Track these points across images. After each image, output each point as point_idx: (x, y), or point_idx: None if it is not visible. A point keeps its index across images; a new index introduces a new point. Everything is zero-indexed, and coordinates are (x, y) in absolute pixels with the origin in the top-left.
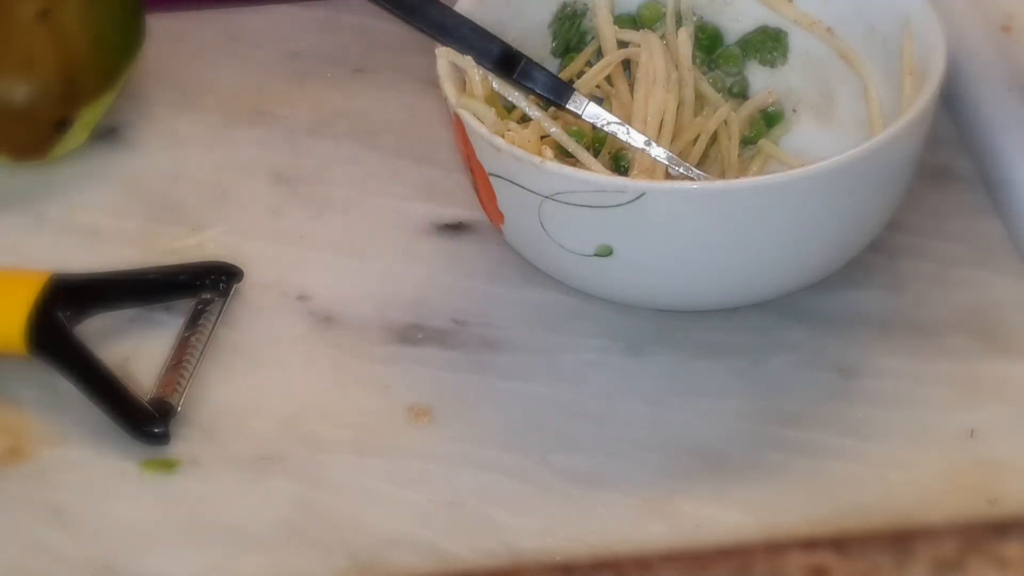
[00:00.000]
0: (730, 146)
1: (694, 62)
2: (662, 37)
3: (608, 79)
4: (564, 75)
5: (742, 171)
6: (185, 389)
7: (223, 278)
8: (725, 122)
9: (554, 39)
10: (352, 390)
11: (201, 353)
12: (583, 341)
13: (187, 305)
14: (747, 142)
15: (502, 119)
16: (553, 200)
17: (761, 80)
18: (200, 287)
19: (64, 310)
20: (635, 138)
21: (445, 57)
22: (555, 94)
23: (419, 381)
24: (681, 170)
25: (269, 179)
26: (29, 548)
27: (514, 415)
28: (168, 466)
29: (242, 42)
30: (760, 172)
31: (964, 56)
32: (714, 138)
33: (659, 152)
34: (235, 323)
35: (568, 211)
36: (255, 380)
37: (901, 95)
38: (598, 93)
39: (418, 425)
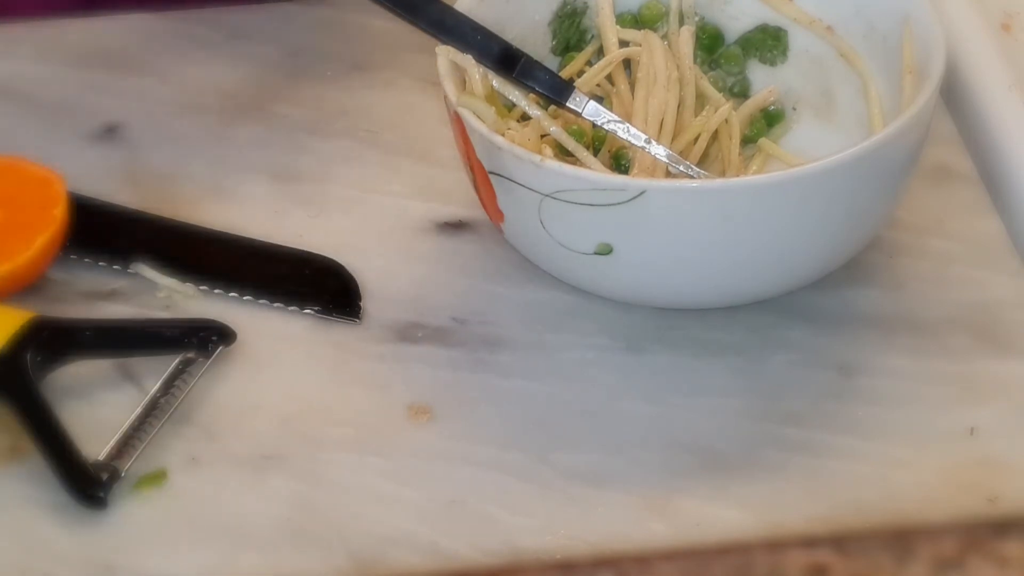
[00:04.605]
0: (731, 145)
1: (695, 61)
2: (663, 36)
3: (609, 78)
4: (564, 74)
5: (742, 170)
6: (138, 453)
7: (213, 338)
8: (726, 121)
9: (554, 37)
10: (352, 389)
11: (168, 415)
12: (583, 339)
13: (168, 361)
14: (747, 141)
15: (502, 118)
16: (553, 198)
17: (761, 78)
18: (187, 344)
19: (36, 354)
20: (635, 136)
21: (445, 55)
22: (555, 92)
23: (419, 380)
24: (681, 168)
25: (269, 178)
26: (29, 547)
27: (514, 414)
28: (156, 479)
29: (241, 41)
30: (760, 171)
31: (964, 56)
32: (715, 137)
33: (659, 151)
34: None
35: (568, 209)
36: (255, 379)
37: (901, 94)
38: (598, 92)
39: (418, 424)
